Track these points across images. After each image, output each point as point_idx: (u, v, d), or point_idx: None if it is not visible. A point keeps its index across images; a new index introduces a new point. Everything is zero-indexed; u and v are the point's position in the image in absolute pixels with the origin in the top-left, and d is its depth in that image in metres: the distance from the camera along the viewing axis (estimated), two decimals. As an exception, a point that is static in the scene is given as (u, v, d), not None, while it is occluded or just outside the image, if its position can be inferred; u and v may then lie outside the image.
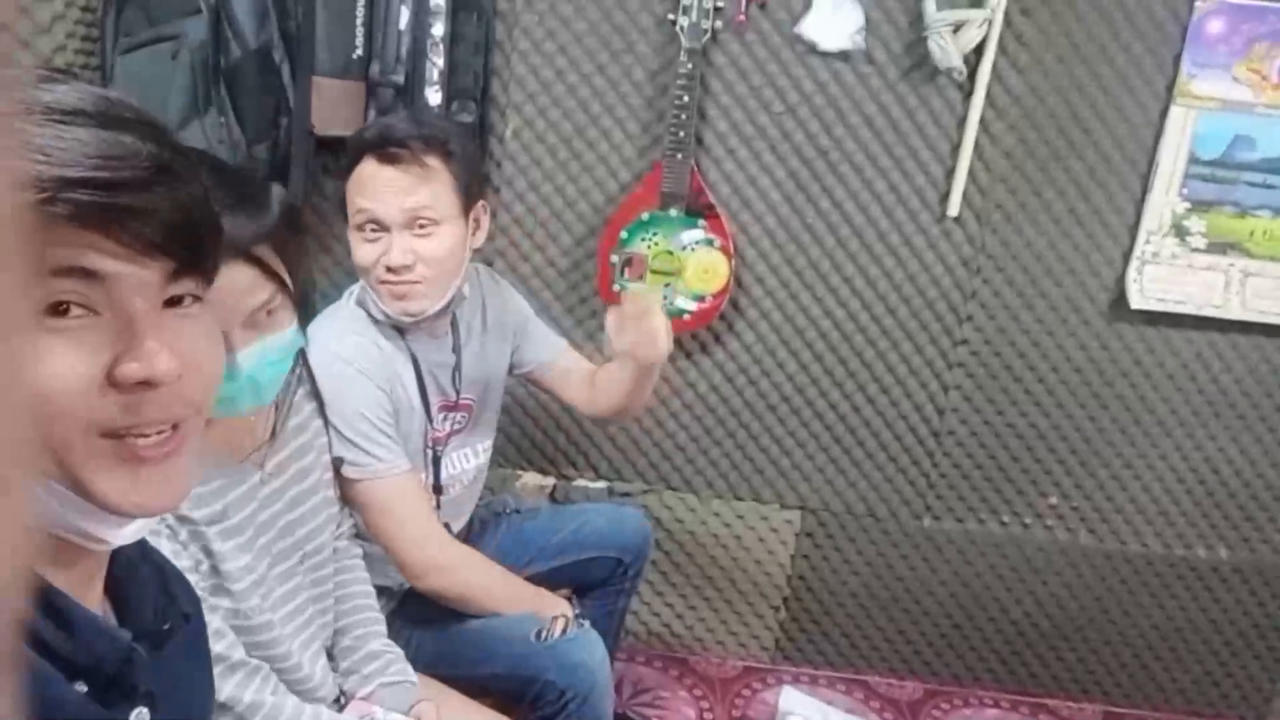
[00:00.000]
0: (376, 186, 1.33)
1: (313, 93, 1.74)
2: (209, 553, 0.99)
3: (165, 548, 0.93)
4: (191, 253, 0.57)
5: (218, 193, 0.63)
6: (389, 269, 1.33)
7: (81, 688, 0.57)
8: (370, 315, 1.41)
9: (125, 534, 0.59)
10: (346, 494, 1.32)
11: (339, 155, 1.88)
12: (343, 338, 1.35)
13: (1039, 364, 1.98)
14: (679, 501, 2.11)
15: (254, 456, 1.08)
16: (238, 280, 0.92)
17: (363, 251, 1.35)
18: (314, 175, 1.88)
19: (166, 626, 0.66)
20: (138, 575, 0.66)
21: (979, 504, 2.09)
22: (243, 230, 0.90)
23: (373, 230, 1.34)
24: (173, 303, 0.58)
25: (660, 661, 2.18)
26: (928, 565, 2.13)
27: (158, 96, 1.65)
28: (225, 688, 0.96)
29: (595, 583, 1.57)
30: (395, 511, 1.33)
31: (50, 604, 0.55)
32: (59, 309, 0.52)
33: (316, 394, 1.24)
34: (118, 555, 0.64)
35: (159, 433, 0.56)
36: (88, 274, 0.52)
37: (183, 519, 0.96)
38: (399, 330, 1.42)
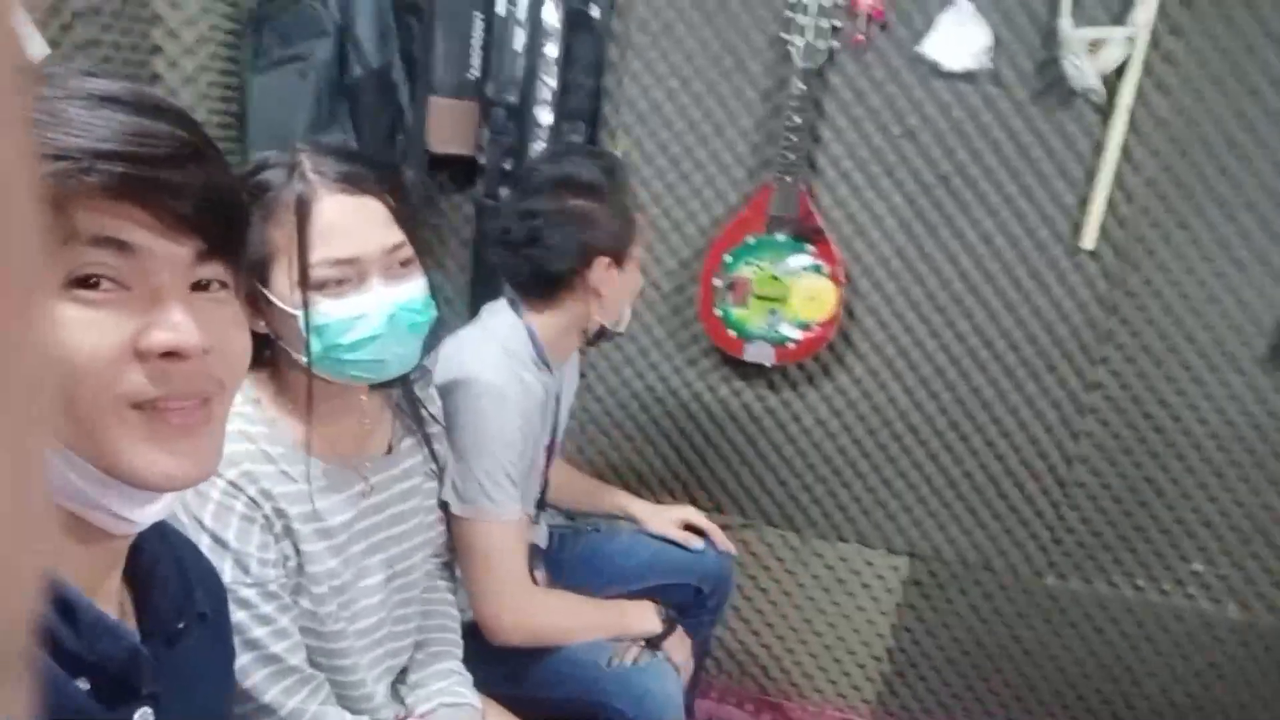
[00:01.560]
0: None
1: (429, 112, 1.79)
2: (298, 550, 0.99)
3: (256, 538, 0.94)
4: (220, 233, 0.58)
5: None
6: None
7: (84, 685, 0.56)
8: (514, 349, 1.35)
9: (150, 512, 0.59)
10: (450, 522, 1.29)
11: (455, 175, 1.94)
12: (498, 367, 1.30)
13: (1184, 414, 1.80)
14: (779, 539, 2.03)
15: (363, 467, 1.08)
16: (374, 212, 0.96)
17: (638, 277, 1.44)
18: (430, 193, 1.93)
19: (181, 626, 0.65)
20: (158, 571, 0.65)
21: (1110, 564, 1.91)
22: (370, 173, 0.96)
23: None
24: (200, 288, 0.58)
25: (753, 705, 2.09)
26: (1049, 627, 1.96)
27: (287, 113, 1.73)
28: (271, 690, 0.95)
29: (675, 612, 1.50)
30: (492, 563, 1.29)
31: (56, 598, 0.55)
32: (89, 282, 0.53)
33: (436, 419, 1.23)
34: (141, 550, 0.64)
35: (186, 406, 0.57)
36: (120, 246, 0.53)
37: (280, 513, 0.96)
38: (543, 360, 1.38)
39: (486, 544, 1.28)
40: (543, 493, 1.57)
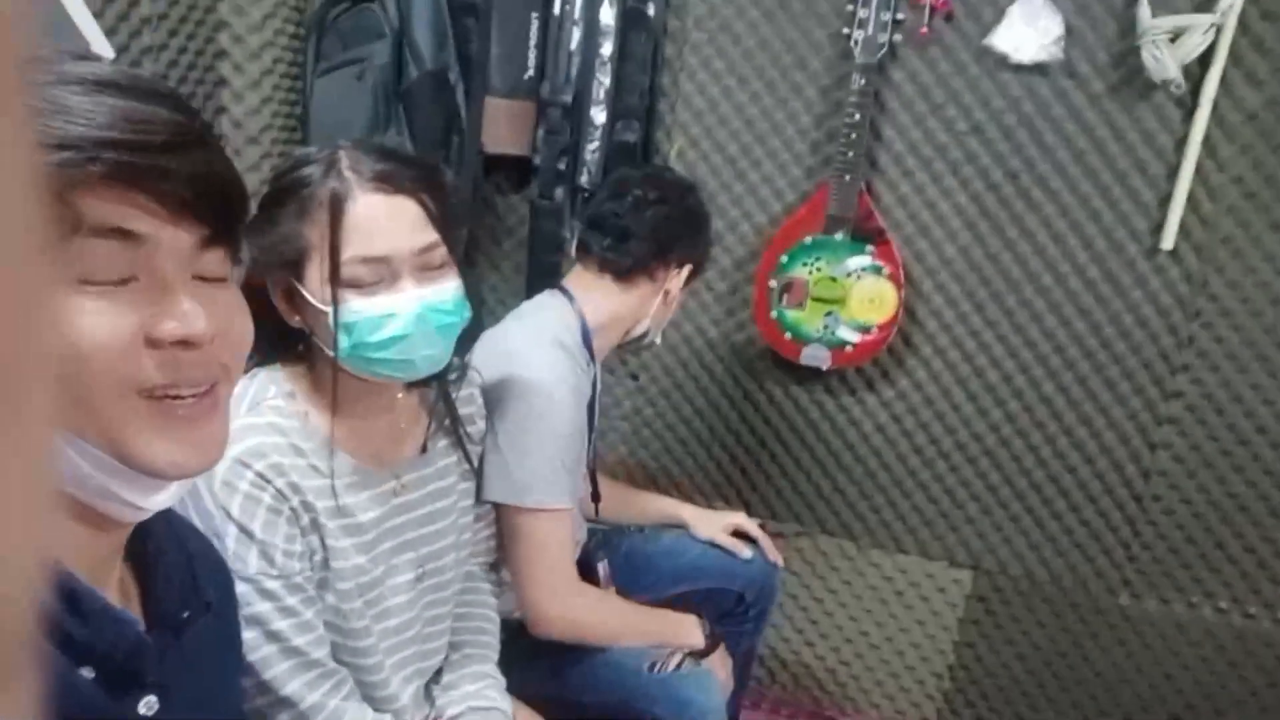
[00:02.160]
0: None
1: (484, 112, 1.79)
2: (324, 545, 0.99)
3: (283, 530, 0.94)
4: (221, 219, 0.58)
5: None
6: None
7: (89, 674, 0.56)
8: (567, 343, 1.35)
9: (159, 500, 0.59)
10: (499, 516, 1.29)
11: (510, 175, 1.95)
12: (553, 364, 1.30)
13: (1271, 425, 1.69)
14: (835, 548, 1.97)
15: (396, 466, 1.08)
16: (408, 212, 0.96)
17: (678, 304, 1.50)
18: (484, 193, 1.94)
19: (186, 615, 0.65)
20: (164, 560, 0.65)
21: (1190, 584, 1.80)
22: (406, 172, 0.96)
23: None
24: (202, 276, 0.58)
25: (806, 718, 2.04)
26: (1123, 649, 1.86)
27: (345, 115, 1.75)
28: (293, 682, 0.95)
29: (715, 617, 1.47)
30: (542, 553, 1.28)
31: (60, 586, 0.55)
32: (98, 272, 0.53)
33: (475, 420, 1.22)
34: (147, 539, 0.64)
35: (195, 394, 0.57)
36: (125, 235, 0.53)
37: (308, 506, 0.97)
38: (592, 355, 1.40)
39: (536, 535, 1.28)
40: (594, 487, 1.56)
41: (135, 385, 0.54)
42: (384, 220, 0.95)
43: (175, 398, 0.56)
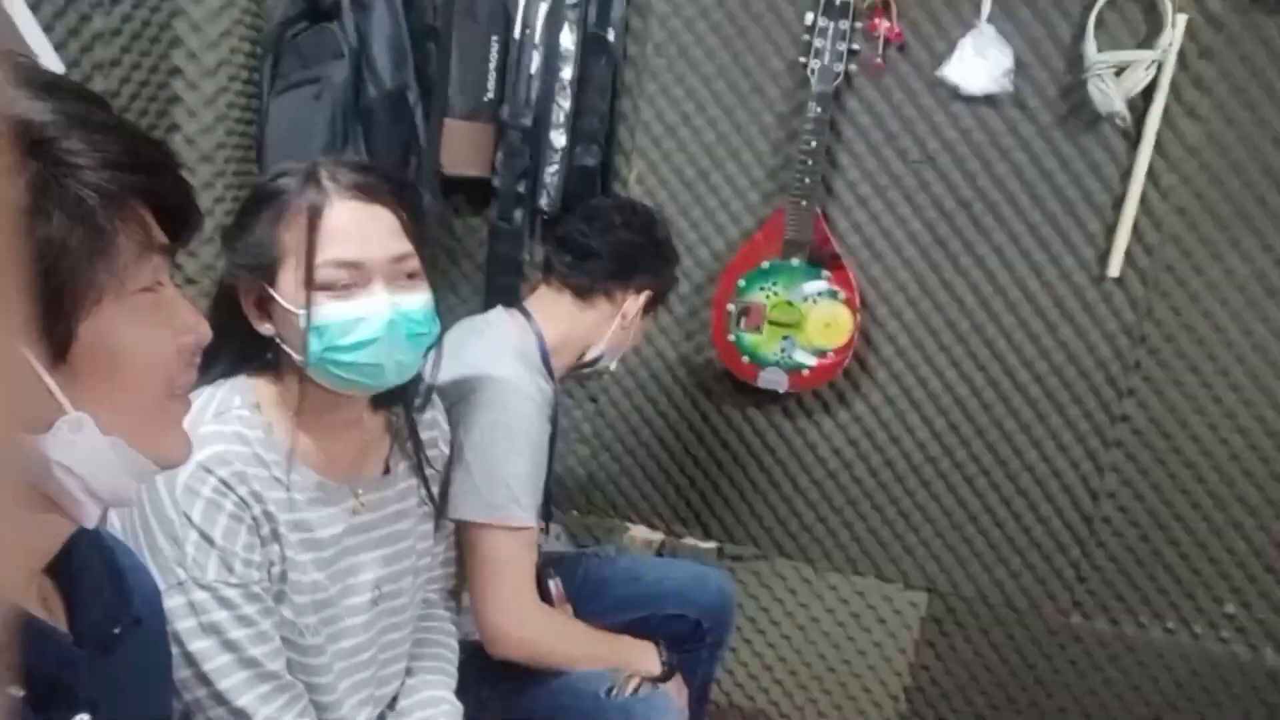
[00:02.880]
0: None
1: (443, 134, 1.78)
2: (284, 557, 0.98)
3: (243, 539, 0.93)
4: (188, 231, 0.63)
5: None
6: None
7: (17, 692, 0.54)
8: (531, 359, 1.37)
9: (131, 498, 0.62)
10: (461, 534, 1.28)
11: (469, 196, 1.94)
12: (518, 371, 1.31)
13: (1215, 450, 1.73)
14: (793, 571, 1.98)
15: (358, 484, 1.07)
16: (384, 220, 0.98)
17: (642, 333, 1.51)
18: (443, 214, 1.93)
19: (116, 630, 0.63)
20: (91, 576, 0.64)
21: (1139, 604, 1.83)
22: (384, 184, 0.99)
23: None
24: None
25: (764, 741, 2.04)
26: (1074, 669, 1.89)
27: (302, 135, 1.74)
28: (247, 695, 0.93)
29: (672, 644, 1.46)
30: (504, 572, 1.27)
31: None
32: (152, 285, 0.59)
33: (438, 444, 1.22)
34: (70, 552, 0.62)
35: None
36: (164, 249, 0.59)
37: (269, 516, 0.96)
38: (551, 373, 1.40)
39: (500, 553, 1.27)
40: (548, 504, 1.55)
41: (175, 387, 0.60)
42: (360, 226, 0.96)
43: (180, 397, 0.62)
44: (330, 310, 0.95)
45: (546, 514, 1.57)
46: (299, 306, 0.94)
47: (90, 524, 0.59)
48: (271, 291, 0.96)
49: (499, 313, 1.44)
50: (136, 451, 0.58)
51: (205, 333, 0.61)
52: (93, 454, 0.55)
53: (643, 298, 1.43)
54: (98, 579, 0.65)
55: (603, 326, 1.43)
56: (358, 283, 0.96)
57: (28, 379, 0.51)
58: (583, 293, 1.41)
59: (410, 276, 0.99)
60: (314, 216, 0.95)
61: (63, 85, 0.55)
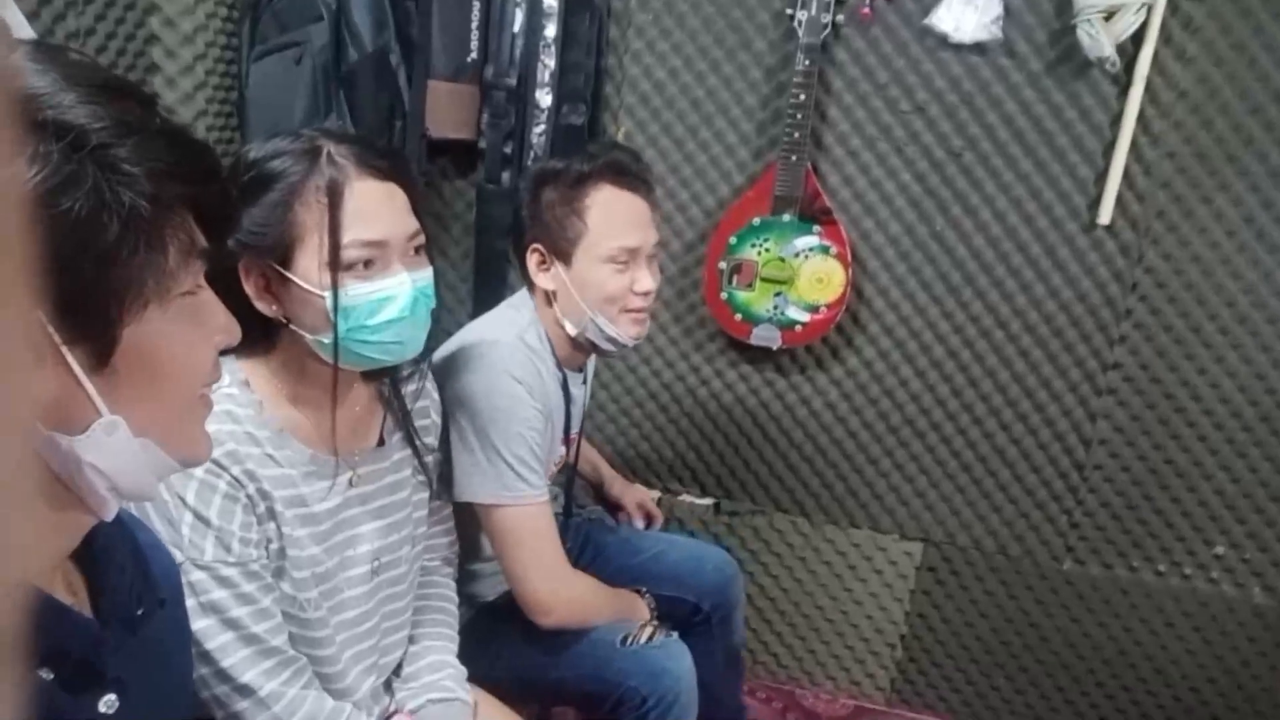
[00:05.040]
0: (634, 216, 1.33)
1: (427, 96, 1.76)
2: (281, 533, 0.98)
3: (239, 518, 0.93)
4: (228, 234, 0.65)
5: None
6: (643, 294, 1.33)
7: (47, 675, 0.55)
8: (531, 343, 1.35)
9: (153, 495, 0.63)
10: (476, 514, 1.29)
11: (455, 159, 1.92)
12: (514, 356, 1.30)
13: (1205, 393, 1.75)
14: (790, 525, 2.00)
15: (352, 457, 1.07)
16: (399, 198, 0.99)
17: (617, 281, 1.32)
18: (430, 178, 1.91)
19: (140, 611, 0.64)
20: (114, 558, 0.64)
21: (1130, 549, 1.86)
22: (388, 161, 0.99)
23: (624, 259, 1.32)
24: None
25: (764, 693, 2.07)
26: (1067, 613, 1.92)
27: (283, 100, 1.71)
28: (250, 670, 0.94)
29: (675, 627, 1.46)
30: (530, 543, 1.28)
31: None
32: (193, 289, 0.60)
33: (441, 411, 1.23)
34: (95, 538, 0.62)
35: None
36: (203, 254, 0.59)
37: (264, 494, 0.96)
38: (557, 361, 1.39)
39: (524, 528, 1.28)
40: (568, 490, 1.56)
41: (206, 386, 0.62)
42: (381, 205, 0.97)
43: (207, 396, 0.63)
44: (356, 291, 0.95)
45: (568, 511, 1.58)
46: (322, 288, 0.94)
47: (109, 518, 0.60)
48: (285, 272, 0.95)
49: (516, 299, 1.44)
50: (164, 451, 0.59)
51: (236, 334, 0.62)
52: (123, 454, 0.55)
53: (534, 257, 1.35)
54: (121, 562, 0.66)
55: (551, 310, 1.37)
56: (379, 261, 0.96)
57: (66, 383, 0.51)
58: (533, 291, 1.39)
59: (418, 251, 1.01)
60: (335, 196, 0.94)
61: (114, 87, 0.54)
